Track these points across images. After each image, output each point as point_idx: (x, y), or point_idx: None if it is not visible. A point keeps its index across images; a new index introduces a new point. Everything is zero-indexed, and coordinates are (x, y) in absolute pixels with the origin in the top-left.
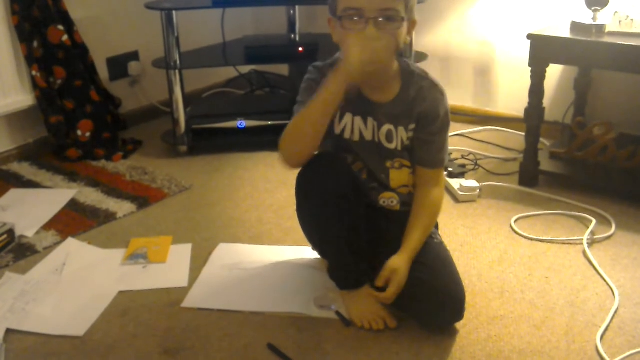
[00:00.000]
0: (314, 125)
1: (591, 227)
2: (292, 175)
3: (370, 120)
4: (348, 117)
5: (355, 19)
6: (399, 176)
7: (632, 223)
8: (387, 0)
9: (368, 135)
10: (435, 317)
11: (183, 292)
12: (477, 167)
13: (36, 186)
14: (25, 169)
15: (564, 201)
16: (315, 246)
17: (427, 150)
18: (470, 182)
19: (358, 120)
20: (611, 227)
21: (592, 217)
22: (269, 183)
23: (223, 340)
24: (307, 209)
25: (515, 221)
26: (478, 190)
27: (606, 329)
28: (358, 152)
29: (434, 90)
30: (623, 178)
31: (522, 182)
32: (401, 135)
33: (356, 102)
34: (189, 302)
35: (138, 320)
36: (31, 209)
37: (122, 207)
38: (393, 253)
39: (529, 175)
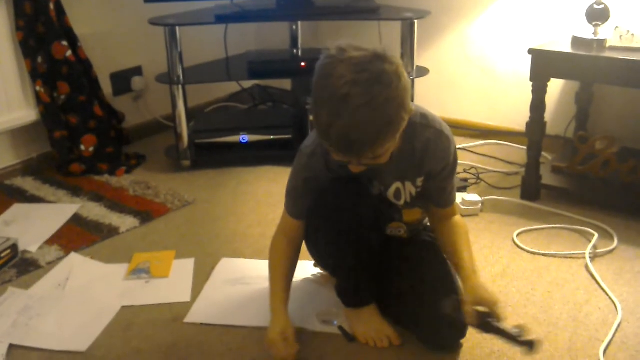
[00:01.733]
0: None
1: (593, 241)
2: None
3: (376, 184)
4: None
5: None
6: (411, 214)
7: (635, 237)
8: (377, 150)
9: (375, 191)
10: (437, 338)
11: (186, 307)
12: (479, 181)
13: (40, 201)
14: (29, 184)
15: (566, 215)
16: (325, 268)
17: (440, 194)
18: (472, 196)
19: None
20: (613, 241)
21: (595, 231)
22: (272, 197)
23: (226, 356)
24: (323, 237)
25: (518, 235)
26: (480, 204)
27: (609, 344)
28: None
29: (441, 140)
30: (625, 192)
31: (524, 196)
32: (409, 190)
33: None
34: (192, 317)
35: (141, 336)
36: (34, 223)
37: (125, 222)
38: (400, 271)
39: (531, 189)
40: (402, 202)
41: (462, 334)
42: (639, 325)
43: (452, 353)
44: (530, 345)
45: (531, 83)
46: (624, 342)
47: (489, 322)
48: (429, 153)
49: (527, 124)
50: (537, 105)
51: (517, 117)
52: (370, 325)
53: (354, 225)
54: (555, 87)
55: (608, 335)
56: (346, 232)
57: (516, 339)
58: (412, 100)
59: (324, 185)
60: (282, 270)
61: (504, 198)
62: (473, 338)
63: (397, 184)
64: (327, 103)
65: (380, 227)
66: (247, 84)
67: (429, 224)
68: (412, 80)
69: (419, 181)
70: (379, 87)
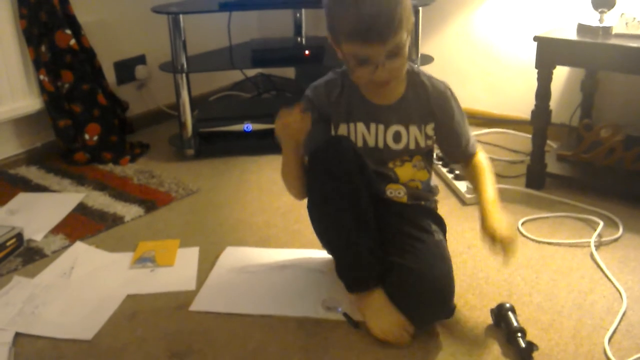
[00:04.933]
0: (292, 180)
1: (598, 229)
2: None
3: (373, 126)
4: (343, 128)
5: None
6: (404, 172)
7: None
8: (391, 41)
9: (371, 142)
10: (422, 309)
11: (191, 295)
12: None
13: (44, 190)
14: (33, 173)
15: (571, 203)
16: (324, 238)
17: (456, 146)
18: None
19: (361, 126)
20: (618, 229)
21: (600, 219)
22: (276, 186)
23: (231, 343)
24: (316, 190)
25: (522, 224)
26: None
27: (614, 332)
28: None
29: (442, 86)
30: (630, 180)
31: (529, 185)
32: (415, 135)
33: (358, 107)
34: (197, 305)
35: (146, 324)
36: (39, 212)
37: (129, 211)
38: (403, 253)
39: (536, 177)
40: (401, 146)
41: (447, 307)
42: None
43: (458, 343)
44: (529, 348)
45: (536, 71)
46: (628, 330)
47: (503, 312)
48: (432, 96)
49: (532, 112)
50: (543, 93)
51: (522, 105)
52: (386, 317)
53: (348, 184)
54: (561, 74)
55: (613, 324)
56: (332, 179)
57: (520, 337)
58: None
59: (317, 139)
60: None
61: (508, 186)
62: (478, 327)
63: (398, 127)
64: None
65: (367, 179)
66: (251, 72)
67: (433, 189)
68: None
69: (429, 129)
70: None
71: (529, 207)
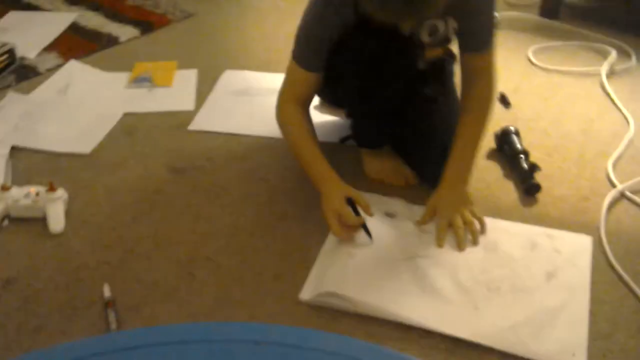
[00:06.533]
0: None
1: (610, 58)
2: (303, 2)
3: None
4: None
5: None
6: (433, 52)
7: None
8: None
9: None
10: (430, 165)
11: (189, 115)
12: None
13: (35, 9)
14: None
15: (584, 33)
16: (343, 107)
17: (475, 32)
18: None
19: None
20: (631, 59)
21: (612, 49)
22: (277, 10)
23: (231, 161)
24: (348, 80)
25: (533, 52)
26: (496, 21)
27: (619, 157)
28: None
29: None
30: None
31: (542, 13)
32: (452, 26)
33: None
34: (196, 125)
35: (145, 140)
36: (32, 31)
37: (125, 32)
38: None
39: (551, 5)
40: (436, 39)
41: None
42: None
43: None
44: (531, 169)
45: None
46: (633, 156)
47: (507, 135)
48: None
49: None
50: None
51: None
52: (386, 163)
53: (385, 68)
54: None
55: (618, 149)
56: (375, 74)
57: (522, 159)
58: None
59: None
60: (314, 140)
61: (521, 13)
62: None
63: (436, 20)
64: None
65: (409, 69)
66: None
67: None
68: None
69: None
70: None
71: (541, 36)
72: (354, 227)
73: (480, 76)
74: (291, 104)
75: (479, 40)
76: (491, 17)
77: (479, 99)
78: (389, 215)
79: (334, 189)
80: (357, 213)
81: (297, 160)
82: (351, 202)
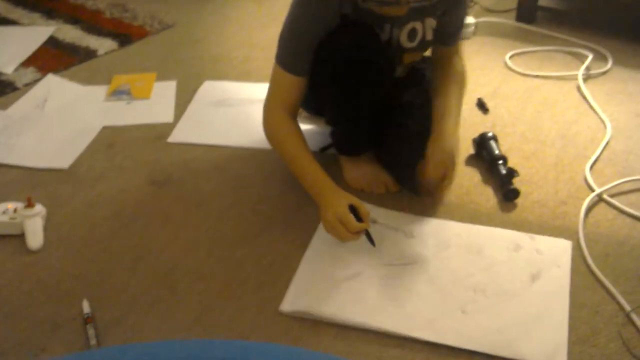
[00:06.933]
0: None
1: (587, 62)
2: (284, 11)
3: (387, 27)
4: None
5: None
6: (412, 57)
7: (629, 58)
8: None
9: (384, 37)
10: (407, 168)
11: (169, 127)
12: (473, 3)
13: (12, 24)
14: (0, 6)
15: (561, 37)
16: (323, 114)
17: (451, 30)
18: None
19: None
20: (607, 62)
21: (589, 52)
22: (257, 20)
23: (211, 172)
24: (329, 83)
25: (510, 57)
26: (473, 27)
27: (596, 160)
28: None
29: None
30: (623, 12)
31: (519, 18)
32: (430, 26)
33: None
34: (176, 137)
35: (124, 153)
36: (8, 45)
37: (103, 44)
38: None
39: (527, 10)
40: (415, 43)
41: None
42: (627, 143)
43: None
44: (509, 174)
45: None
46: (610, 159)
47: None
48: None
49: None
50: None
51: None
52: (367, 171)
53: (366, 72)
54: None
55: (595, 152)
56: (356, 78)
57: (501, 164)
58: None
59: (331, 30)
60: (306, 148)
61: (498, 20)
62: (460, 156)
63: (414, 24)
64: None
65: (390, 72)
66: None
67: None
68: None
69: (439, 14)
70: None
71: (518, 41)
72: (358, 234)
73: (454, 56)
74: (278, 112)
75: (455, 36)
76: (466, 10)
77: (455, 72)
78: (371, 221)
79: (336, 197)
80: (358, 220)
81: (291, 170)
82: (352, 209)
